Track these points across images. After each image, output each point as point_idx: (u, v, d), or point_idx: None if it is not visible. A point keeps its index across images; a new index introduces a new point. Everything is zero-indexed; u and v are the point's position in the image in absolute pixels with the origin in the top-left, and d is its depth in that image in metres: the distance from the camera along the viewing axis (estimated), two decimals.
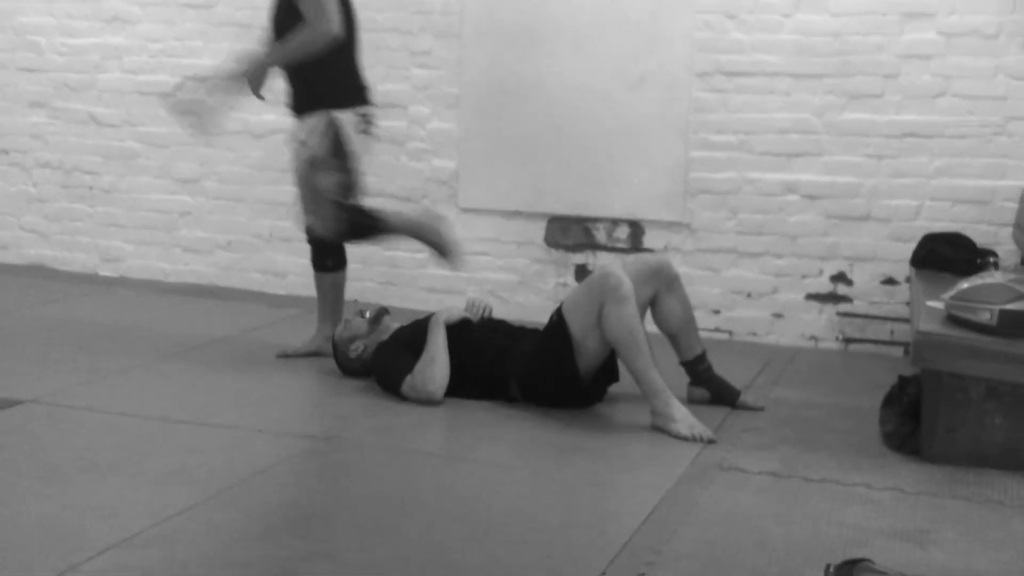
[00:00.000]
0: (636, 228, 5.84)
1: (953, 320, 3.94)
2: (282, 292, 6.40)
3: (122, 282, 6.61)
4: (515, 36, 5.89)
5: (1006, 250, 5.12)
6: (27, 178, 6.93)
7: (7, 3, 6.84)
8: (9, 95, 6.90)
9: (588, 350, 4.21)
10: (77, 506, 3.24)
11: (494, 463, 3.81)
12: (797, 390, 4.76)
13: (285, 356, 4.98)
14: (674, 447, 3.94)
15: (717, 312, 5.73)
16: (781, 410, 4.41)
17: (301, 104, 4.79)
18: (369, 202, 4.97)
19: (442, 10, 6.01)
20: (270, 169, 6.28)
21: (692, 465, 3.76)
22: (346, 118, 4.72)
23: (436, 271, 5.90)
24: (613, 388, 4.45)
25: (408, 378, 4.34)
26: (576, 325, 4.20)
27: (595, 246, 5.94)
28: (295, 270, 6.25)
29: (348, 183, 4.76)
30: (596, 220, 5.90)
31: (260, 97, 4.75)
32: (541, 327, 4.48)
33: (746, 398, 4.45)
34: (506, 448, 3.96)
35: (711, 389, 4.44)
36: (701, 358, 4.48)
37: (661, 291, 4.43)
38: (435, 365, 4.35)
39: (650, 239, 5.81)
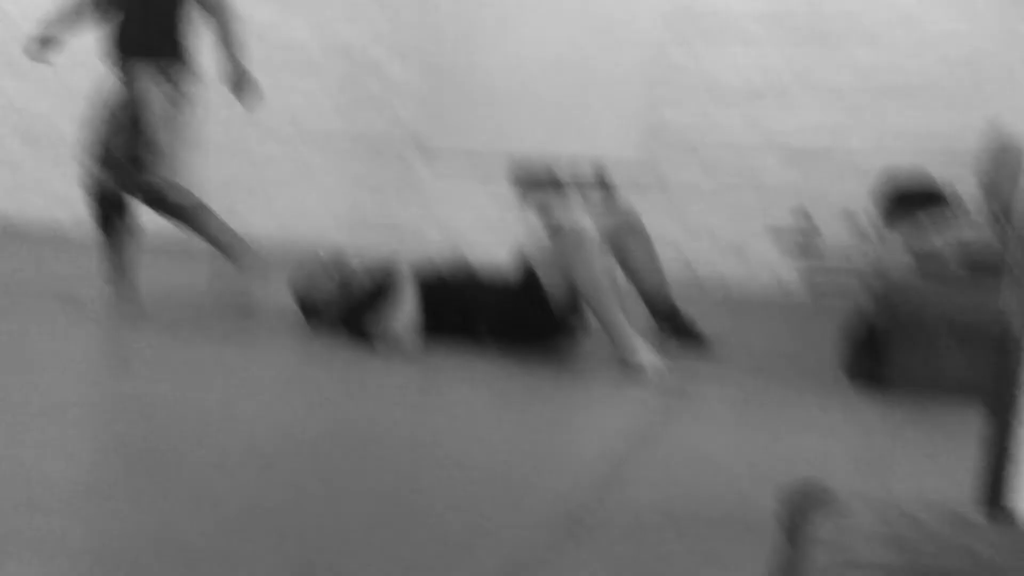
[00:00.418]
0: (603, 170, 5.83)
1: (916, 262, 3.99)
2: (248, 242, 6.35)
3: None
4: None
5: (971, 194, 5.17)
6: None
7: None
8: None
9: (555, 295, 4.24)
10: None
11: (461, 401, 3.83)
12: (758, 333, 4.81)
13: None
14: (639, 386, 3.98)
15: (685, 258, 5.76)
16: (743, 351, 4.47)
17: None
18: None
19: None
20: None
21: (657, 403, 3.80)
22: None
23: (399, 216, 5.88)
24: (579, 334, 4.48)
25: (376, 327, 4.35)
26: (544, 272, 4.23)
27: (563, 189, 5.93)
28: (260, 221, 6.21)
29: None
30: (564, 165, 5.90)
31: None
32: (502, 270, 4.53)
33: (708, 340, 4.49)
34: (472, 386, 3.98)
35: (675, 332, 4.48)
36: (669, 308, 4.50)
37: (628, 244, 4.45)
38: (396, 316, 4.35)
39: (618, 181, 5.82)
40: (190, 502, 2.95)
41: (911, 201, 5.02)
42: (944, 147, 5.32)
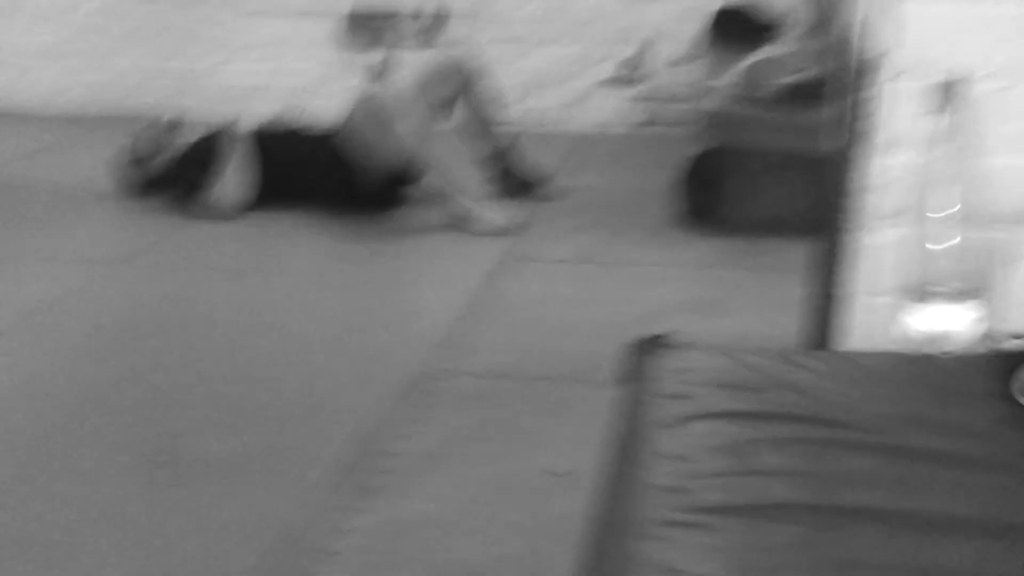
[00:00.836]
0: (430, 20, 5.70)
1: (740, 95, 4.04)
2: (56, 111, 6.04)
3: None
4: None
5: (798, 18, 5.14)
6: None
7: None
8: None
9: (383, 158, 4.15)
10: None
11: (298, 272, 3.77)
12: (594, 176, 4.83)
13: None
14: (477, 244, 3.96)
15: (514, 102, 5.70)
16: (580, 197, 4.47)
17: None
18: None
19: None
20: None
21: (495, 258, 3.80)
22: None
23: (223, 77, 5.68)
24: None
25: (204, 193, 4.21)
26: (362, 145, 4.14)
27: (389, 43, 5.78)
28: (70, 87, 5.91)
29: None
30: (389, 16, 5.73)
31: None
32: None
33: (545, 187, 4.48)
34: (309, 257, 3.91)
35: (510, 183, 4.45)
36: (501, 154, 4.47)
37: (459, 91, 4.37)
38: (228, 181, 4.22)
39: (445, 32, 5.70)
40: (20, 389, 2.85)
41: (736, 25, 5.03)
42: None
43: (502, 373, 2.91)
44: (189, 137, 4.46)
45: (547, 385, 2.84)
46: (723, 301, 3.38)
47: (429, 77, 4.26)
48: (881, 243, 1.50)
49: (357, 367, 3.00)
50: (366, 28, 5.77)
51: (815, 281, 1.73)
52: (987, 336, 1.31)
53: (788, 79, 3.97)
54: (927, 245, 1.40)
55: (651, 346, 1.48)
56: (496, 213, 4.08)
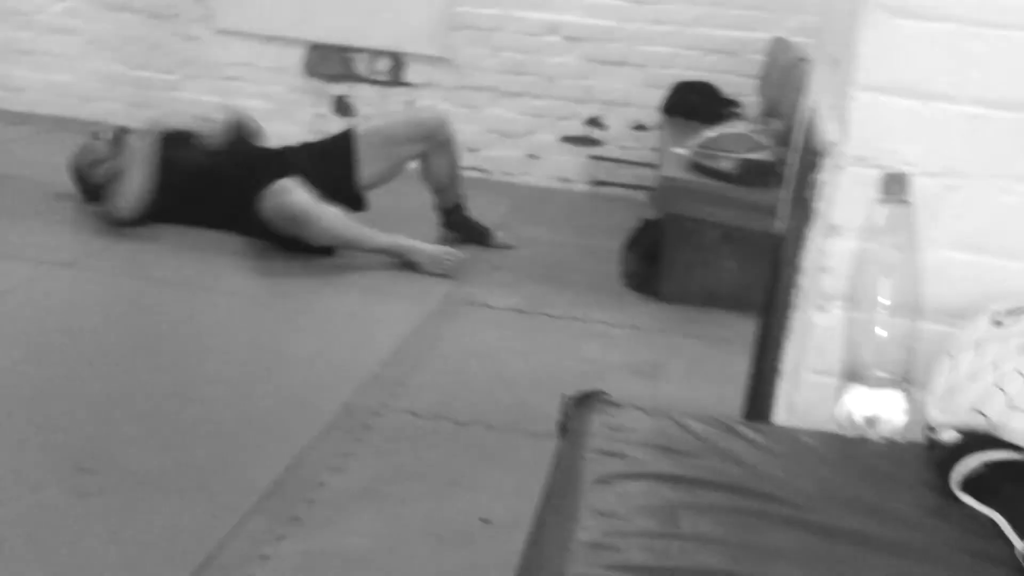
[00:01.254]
0: (398, 61, 5.75)
1: (696, 167, 4.09)
2: (20, 108, 5.99)
3: None
4: None
5: (750, 101, 5.33)
6: None
7: None
8: None
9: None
10: None
11: (240, 293, 3.75)
12: (546, 230, 4.86)
13: None
14: (423, 283, 3.97)
15: (475, 150, 5.75)
16: (529, 249, 4.50)
17: None
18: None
19: None
20: None
21: (441, 301, 3.81)
22: None
23: (187, 92, 5.68)
24: None
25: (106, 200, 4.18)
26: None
27: (355, 77, 5.82)
28: (33, 84, 5.87)
29: None
30: (357, 51, 5.77)
31: None
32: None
33: (497, 237, 4.50)
34: (252, 279, 3.89)
35: (463, 231, 4.45)
36: (458, 207, 4.48)
37: (431, 150, 4.37)
38: (127, 183, 4.17)
39: (412, 73, 5.74)
40: None
41: (696, 108, 5.13)
42: (731, 56, 5.43)
43: (438, 414, 2.92)
44: (136, 145, 4.35)
45: (483, 431, 2.85)
46: (663, 365, 3.41)
47: (399, 131, 4.28)
48: (823, 324, 1.54)
49: (292, 393, 2.98)
50: (331, 60, 5.80)
51: (758, 354, 1.76)
52: (923, 426, 1.34)
53: (744, 155, 4.03)
54: (867, 330, 1.43)
55: (590, 401, 1.50)
56: (438, 248, 4.09)
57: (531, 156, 5.72)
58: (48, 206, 4.40)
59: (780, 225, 2.13)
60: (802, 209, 1.73)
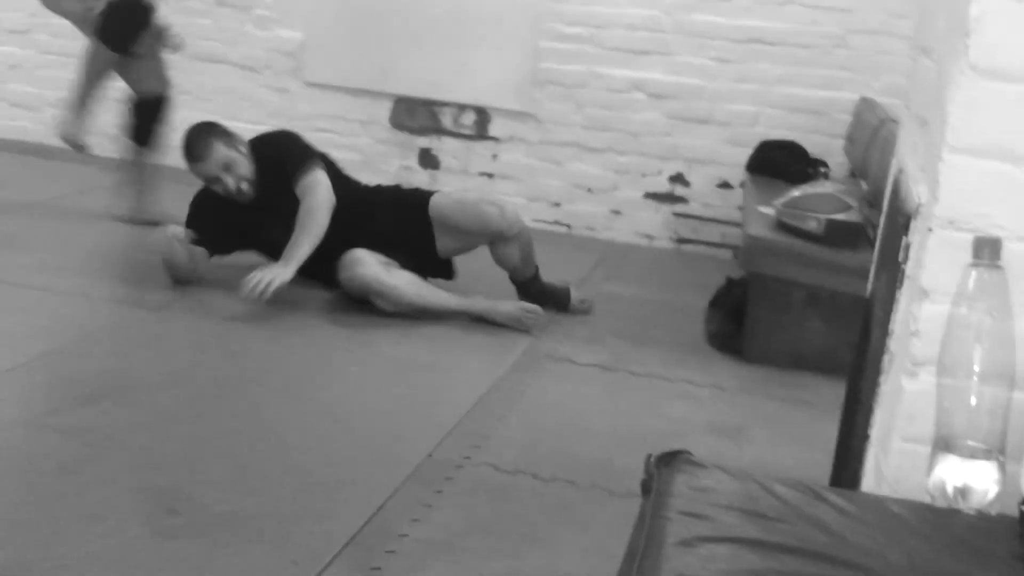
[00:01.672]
0: (483, 115, 5.81)
1: (782, 226, 4.06)
2: (113, 155, 6.15)
3: None
4: None
5: (837, 161, 5.29)
6: None
7: None
8: None
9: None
10: None
11: (326, 343, 3.79)
12: (629, 286, 4.86)
13: (123, 220, 4.82)
14: (503, 337, 3.99)
15: (557, 205, 5.78)
16: (613, 305, 4.49)
17: None
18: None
19: None
20: None
21: (523, 355, 3.82)
22: None
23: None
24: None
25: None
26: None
27: (441, 131, 5.89)
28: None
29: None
30: (443, 104, 5.85)
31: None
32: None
33: (574, 302, 4.38)
34: (338, 329, 3.94)
35: (540, 299, 4.30)
36: (534, 278, 4.39)
37: (500, 241, 4.29)
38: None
39: (496, 127, 5.80)
40: (33, 423, 2.87)
41: (782, 167, 5.10)
42: (818, 116, 5.40)
43: (520, 469, 2.91)
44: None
45: (564, 487, 2.84)
46: (747, 427, 3.38)
47: (467, 224, 4.23)
48: (913, 390, 1.51)
49: (375, 443, 3.01)
50: (418, 114, 5.88)
51: (846, 420, 1.73)
52: (1018, 499, 1.31)
53: (830, 216, 4.00)
54: (959, 397, 1.41)
55: (674, 461, 1.48)
56: (519, 309, 4.08)
57: (614, 212, 5.73)
58: (135, 250, 4.51)
59: (869, 287, 2.11)
60: (891, 271, 1.71)
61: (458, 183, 5.63)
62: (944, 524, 1.34)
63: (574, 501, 2.77)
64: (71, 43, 6.14)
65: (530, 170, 5.74)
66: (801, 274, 3.89)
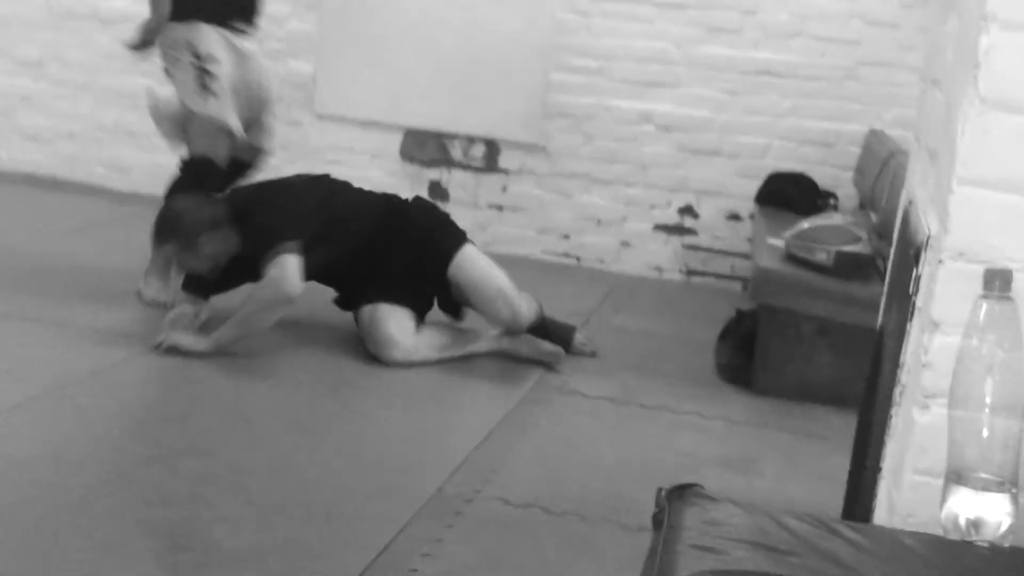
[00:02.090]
0: (492, 147, 5.83)
1: (792, 258, 4.06)
2: (125, 188, 6.19)
3: None
4: None
5: (846, 193, 5.29)
6: None
7: None
8: None
9: None
10: None
11: (335, 376, 3.79)
12: (639, 319, 4.85)
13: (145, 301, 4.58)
14: (514, 368, 3.98)
15: (567, 237, 5.79)
16: (622, 338, 4.49)
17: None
18: None
19: None
20: (118, 58, 6.01)
21: (533, 388, 3.81)
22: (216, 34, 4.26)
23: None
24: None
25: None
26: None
27: (450, 163, 5.91)
28: (140, 165, 6.06)
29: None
30: (453, 136, 5.87)
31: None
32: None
33: (578, 344, 4.25)
34: (347, 363, 3.93)
35: (543, 338, 4.26)
36: (539, 322, 4.19)
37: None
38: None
39: (505, 159, 5.81)
40: (45, 457, 2.87)
41: (792, 199, 5.10)
42: (827, 148, 5.41)
43: (530, 502, 2.90)
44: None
45: (575, 521, 2.83)
46: (757, 460, 3.37)
47: (484, 309, 4.10)
48: (925, 422, 1.51)
49: (384, 477, 3.00)
50: (428, 146, 5.90)
51: (858, 452, 1.73)
52: None
53: (840, 247, 4.00)
54: (971, 430, 1.40)
55: (685, 495, 1.48)
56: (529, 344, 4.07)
57: (624, 244, 5.74)
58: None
59: (880, 319, 2.10)
60: (902, 303, 1.71)
61: (468, 216, 5.64)
62: (957, 557, 1.33)
63: (585, 535, 2.76)
64: (83, 76, 6.22)
65: (540, 202, 5.75)
66: (811, 306, 3.89)
